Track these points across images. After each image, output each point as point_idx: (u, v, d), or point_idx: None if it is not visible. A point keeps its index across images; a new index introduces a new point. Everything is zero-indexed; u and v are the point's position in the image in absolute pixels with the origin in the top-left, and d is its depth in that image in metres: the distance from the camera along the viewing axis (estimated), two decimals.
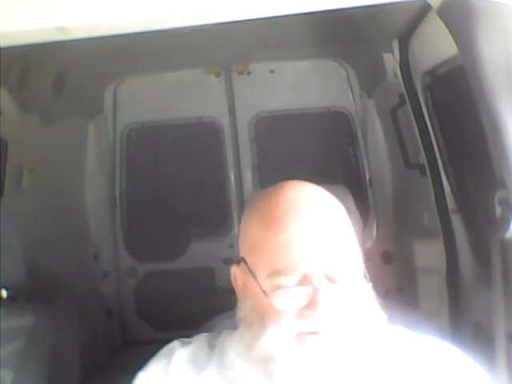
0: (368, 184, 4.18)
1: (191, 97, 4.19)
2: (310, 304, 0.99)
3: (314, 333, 0.99)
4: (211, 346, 1.15)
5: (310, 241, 1.01)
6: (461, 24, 1.59)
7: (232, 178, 4.31)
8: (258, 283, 1.03)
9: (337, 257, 1.02)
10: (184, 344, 1.17)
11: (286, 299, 1.00)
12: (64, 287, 3.13)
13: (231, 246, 4.11)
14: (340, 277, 1.01)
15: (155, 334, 4.11)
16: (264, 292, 1.01)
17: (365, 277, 1.06)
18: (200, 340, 1.18)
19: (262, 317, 1.02)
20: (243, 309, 1.08)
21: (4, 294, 2.52)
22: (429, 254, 2.98)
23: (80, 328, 3.01)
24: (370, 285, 1.06)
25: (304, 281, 1.00)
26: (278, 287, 1.00)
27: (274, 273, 1.01)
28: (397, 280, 3.37)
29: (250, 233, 1.08)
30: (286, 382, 1.02)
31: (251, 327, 1.04)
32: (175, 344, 1.17)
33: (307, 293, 0.99)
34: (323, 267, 1.00)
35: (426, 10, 2.11)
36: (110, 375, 2.39)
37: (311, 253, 1.00)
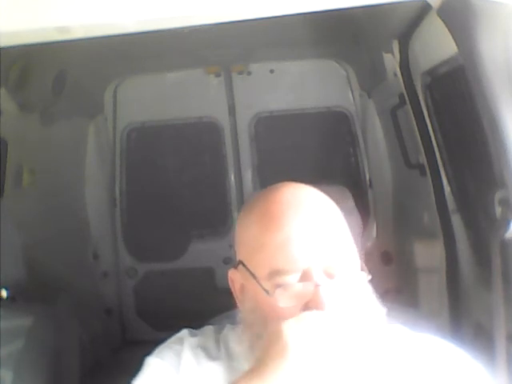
0: (368, 184, 4.18)
1: (191, 97, 4.19)
2: (312, 300, 1.00)
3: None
4: (216, 340, 1.17)
5: (309, 238, 1.02)
6: (461, 24, 1.58)
7: (232, 177, 4.31)
8: (258, 283, 1.03)
9: (335, 252, 1.03)
10: (193, 334, 1.18)
11: (288, 297, 1.01)
12: (64, 287, 3.13)
13: (231, 246, 4.08)
14: (339, 272, 1.03)
15: (155, 334, 4.10)
16: (266, 291, 1.02)
17: (363, 270, 1.07)
18: (207, 332, 1.20)
19: (263, 317, 1.03)
20: (243, 310, 1.09)
21: (4, 294, 2.52)
22: (429, 253, 2.98)
23: (80, 328, 3.01)
24: (369, 278, 1.07)
25: (305, 277, 1.01)
26: (280, 286, 1.01)
27: (275, 272, 1.02)
28: (397, 280, 3.37)
29: (247, 234, 1.09)
30: (290, 381, 1.02)
31: (252, 327, 1.05)
32: (184, 333, 1.19)
33: (309, 289, 1.01)
34: (322, 263, 1.02)
35: (426, 9, 2.11)
36: (110, 375, 2.39)
37: (310, 249, 1.02)
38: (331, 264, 1.02)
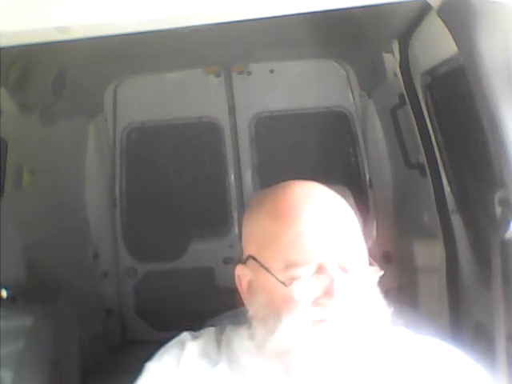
0: (368, 184, 4.18)
1: (191, 97, 4.19)
2: (327, 293, 1.01)
3: (330, 320, 1.01)
4: (218, 341, 1.16)
5: (323, 231, 1.03)
6: (461, 24, 1.59)
7: (232, 177, 4.32)
8: (274, 276, 1.04)
9: (349, 247, 1.04)
10: (194, 337, 1.18)
11: (303, 289, 1.01)
12: (64, 287, 3.13)
13: (231, 246, 4.12)
14: (353, 266, 1.04)
15: (155, 334, 4.10)
16: (283, 283, 1.02)
17: (372, 265, 1.08)
18: (208, 334, 1.19)
19: (277, 310, 1.03)
20: (254, 305, 1.09)
21: (4, 294, 2.52)
22: (429, 253, 2.98)
23: (80, 328, 3.01)
24: (381, 273, 1.08)
25: (320, 271, 1.02)
26: (295, 278, 1.02)
27: (290, 264, 1.03)
28: (397, 280, 3.37)
29: (258, 228, 1.08)
30: (303, 374, 1.02)
31: (265, 322, 1.05)
32: (185, 336, 1.18)
33: (324, 282, 1.01)
34: (337, 257, 1.03)
35: (426, 9, 2.11)
36: (110, 375, 2.39)
37: (325, 243, 1.03)
38: (345, 258, 1.03)
